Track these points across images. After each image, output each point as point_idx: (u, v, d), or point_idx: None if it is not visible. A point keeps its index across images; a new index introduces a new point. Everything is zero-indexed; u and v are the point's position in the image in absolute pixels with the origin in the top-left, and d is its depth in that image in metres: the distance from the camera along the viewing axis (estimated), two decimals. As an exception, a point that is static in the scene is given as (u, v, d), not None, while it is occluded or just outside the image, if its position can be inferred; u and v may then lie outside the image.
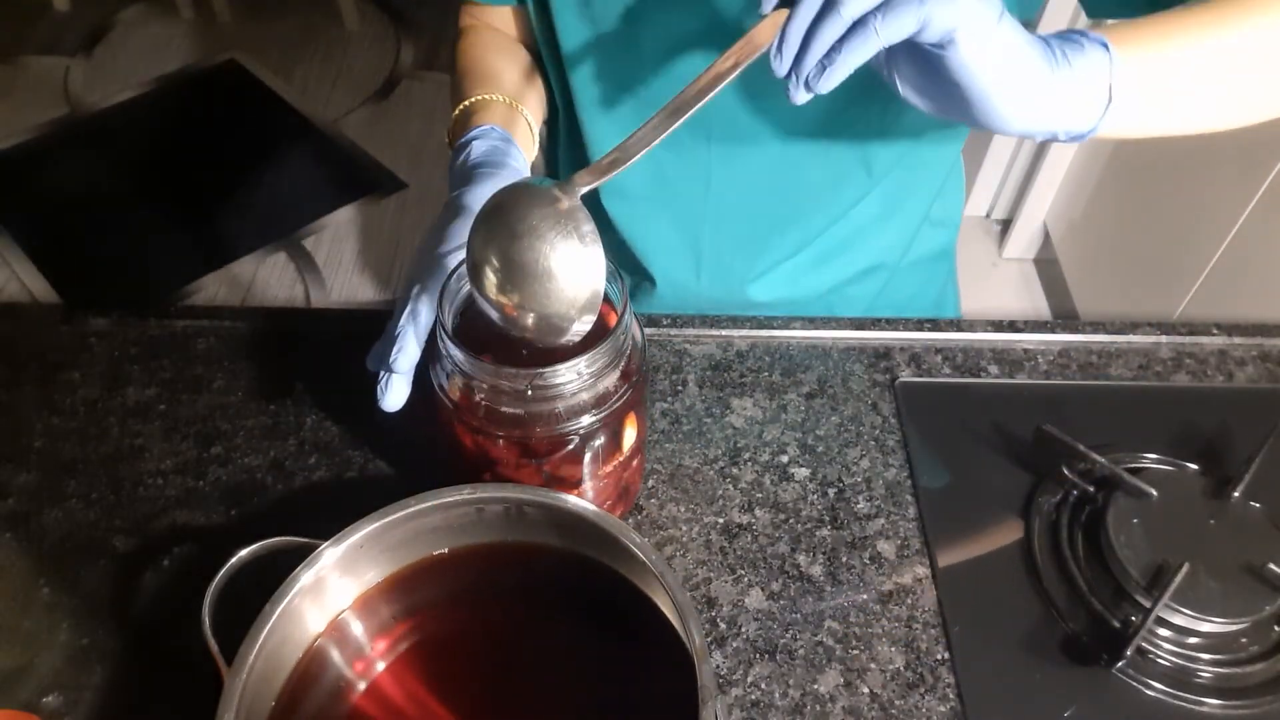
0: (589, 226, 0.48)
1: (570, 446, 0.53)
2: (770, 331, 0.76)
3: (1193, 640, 0.59)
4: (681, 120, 0.48)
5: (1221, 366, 0.76)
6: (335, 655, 0.52)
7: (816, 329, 0.76)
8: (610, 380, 0.52)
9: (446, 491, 0.51)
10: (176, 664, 0.58)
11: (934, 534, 0.65)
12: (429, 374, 0.54)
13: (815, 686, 0.58)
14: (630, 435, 0.58)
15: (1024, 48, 0.47)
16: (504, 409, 0.51)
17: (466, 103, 0.70)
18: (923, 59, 0.48)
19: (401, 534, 0.52)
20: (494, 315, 0.49)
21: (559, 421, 0.51)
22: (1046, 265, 2.08)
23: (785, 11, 0.46)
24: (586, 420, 0.52)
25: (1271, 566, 0.58)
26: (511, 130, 0.67)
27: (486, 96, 0.69)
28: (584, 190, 0.48)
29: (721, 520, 0.65)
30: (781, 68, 0.46)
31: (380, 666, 0.52)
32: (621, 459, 0.58)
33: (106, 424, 0.70)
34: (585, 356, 0.49)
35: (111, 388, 0.72)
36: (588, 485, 0.57)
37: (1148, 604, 0.59)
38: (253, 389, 0.72)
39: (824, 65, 0.45)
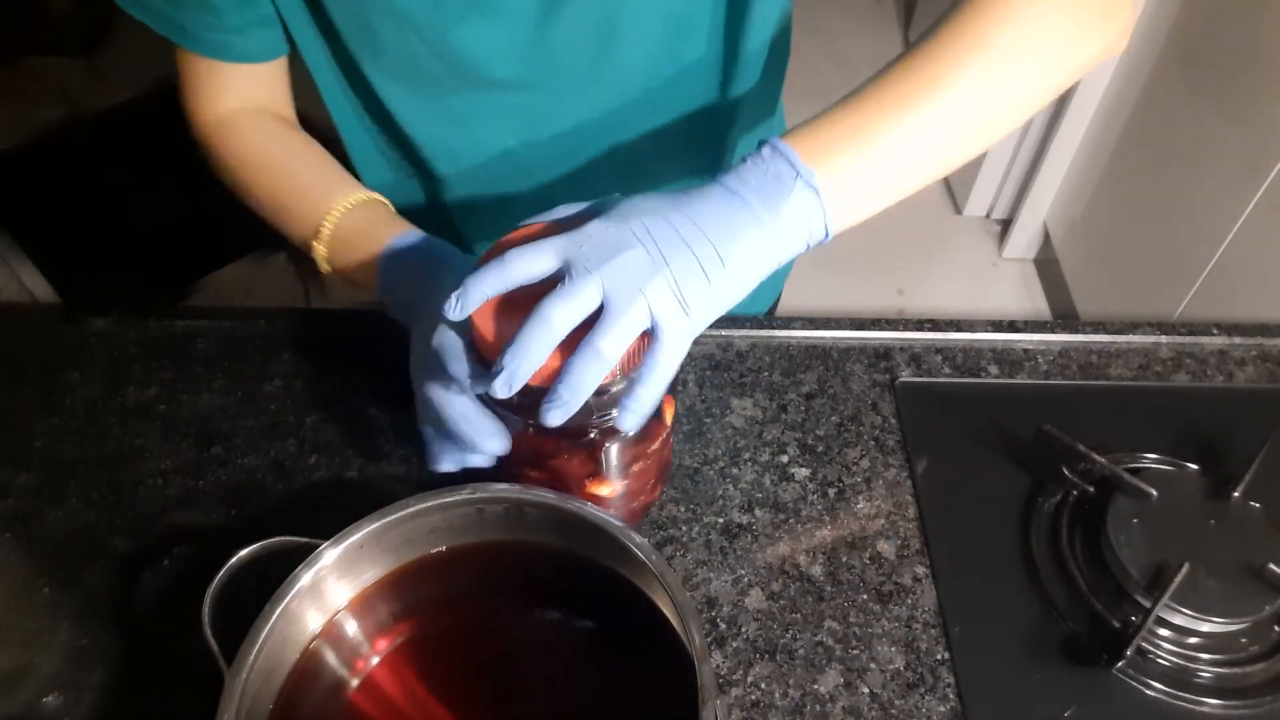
0: None
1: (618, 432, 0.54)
2: (770, 331, 0.76)
3: (1193, 640, 0.59)
4: None
5: (1221, 366, 0.76)
6: (335, 655, 0.52)
7: (816, 329, 0.76)
8: None
9: (446, 491, 0.51)
10: (176, 664, 0.58)
11: (934, 534, 0.65)
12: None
13: (815, 686, 0.58)
14: (668, 414, 0.59)
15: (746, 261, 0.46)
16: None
17: (333, 216, 0.61)
18: None
19: (401, 534, 0.52)
20: None
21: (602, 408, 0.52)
22: (1046, 265, 2.08)
23: None
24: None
25: (1271, 566, 0.58)
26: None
27: (354, 201, 0.62)
28: None
29: (721, 520, 0.65)
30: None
31: (380, 666, 0.52)
32: (665, 435, 0.59)
33: (106, 424, 0.70)
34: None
35: (111, 388, 0.72)
36: (638, 466, 0.58)
37: (1148, 604, 0.59)
38: (253, 389, 0.72)
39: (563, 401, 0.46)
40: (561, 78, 0.65)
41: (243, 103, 0.67)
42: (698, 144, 0.73)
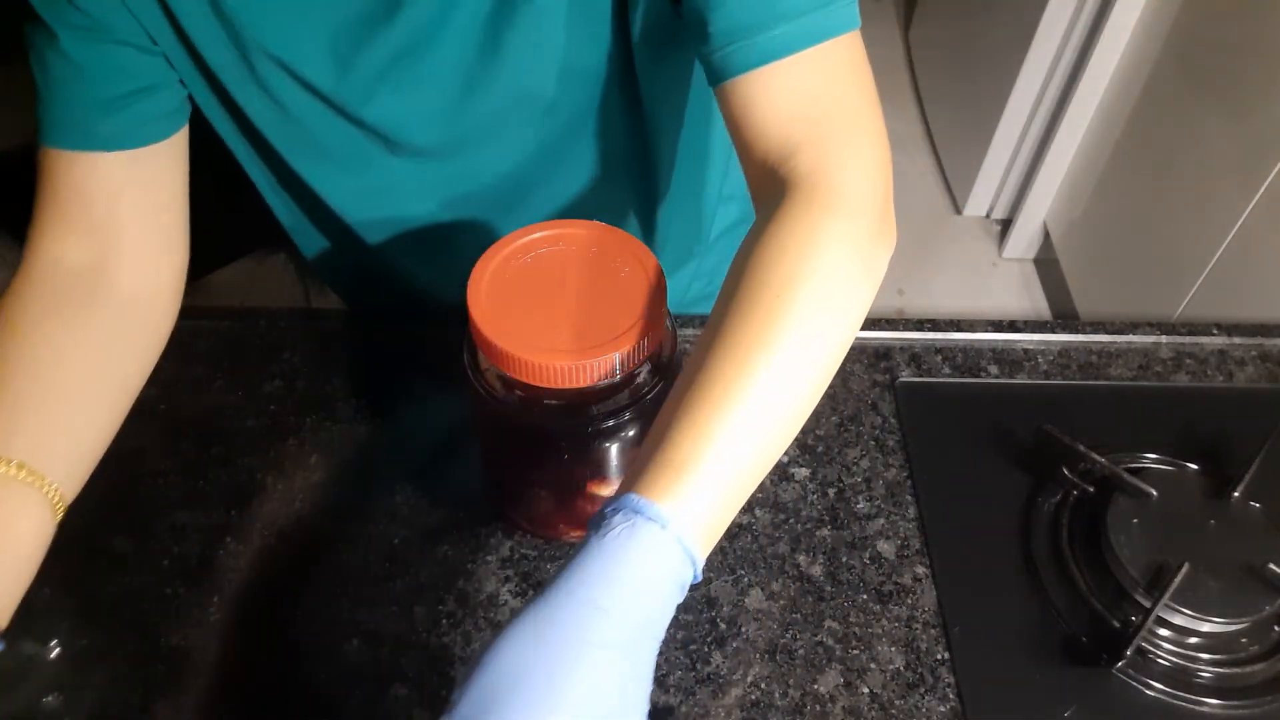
0: None
1: (619, 429, 0.54)
2: (770, 331, 0.76)
3: (1193, 640, 0.59)
4: None
5: (1221, 366, 0.76)
6: None
7: (816, 329, 0.76)
8: (645, 370, 0.53)
9: None
10: (176, 664, 0.58)
11: (934, 534, 0.65)
12: (469, 379, 0.54)
13: (815, 686, 0.58)
14: None
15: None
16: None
17: None
18: None
19: None
20: None
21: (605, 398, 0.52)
22: (1046, 265, 2.08)
23: None
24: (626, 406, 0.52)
25: (1271, 566, 0.58)
26: None
27: None
28: None
29: (721, 520, 0.65)
30: None
31: None
32: None
33: (106, 424, 0.70)
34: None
35: (111, 388, 0.72)
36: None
37: (1148, 604, 0.59)
38: (253, 389, 0.72)
39: None
40: (484, 143, 0.63)
41: (90, 251, 0.58)
42: (622, 186, 0.71)
